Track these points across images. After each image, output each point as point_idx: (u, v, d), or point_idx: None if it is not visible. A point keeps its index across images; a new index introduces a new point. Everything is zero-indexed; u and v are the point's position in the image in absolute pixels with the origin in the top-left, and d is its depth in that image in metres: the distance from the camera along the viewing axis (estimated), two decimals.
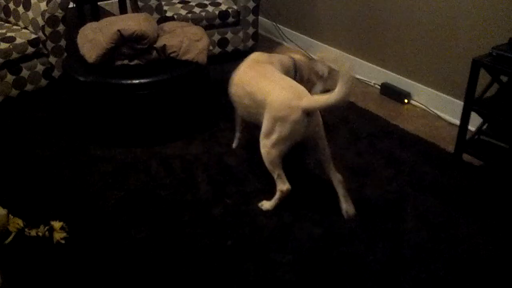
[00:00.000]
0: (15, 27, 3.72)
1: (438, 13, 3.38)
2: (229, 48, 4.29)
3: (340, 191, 2.63)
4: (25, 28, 3.71)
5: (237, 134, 3.16)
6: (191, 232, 2.52)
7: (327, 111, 3.34)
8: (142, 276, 2.29)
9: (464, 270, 2.31)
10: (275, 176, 2.62)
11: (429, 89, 3.60)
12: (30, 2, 3.66)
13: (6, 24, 3.78)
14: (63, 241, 2.43)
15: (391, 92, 3.80)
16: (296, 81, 2.78)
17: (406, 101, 3.72)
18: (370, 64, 4.00)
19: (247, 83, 2.71)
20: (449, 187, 2.83)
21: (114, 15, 4.55)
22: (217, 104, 3.63)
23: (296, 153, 2.74)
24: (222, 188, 2.82)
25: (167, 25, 3.45)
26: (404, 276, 2.28)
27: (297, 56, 3.08)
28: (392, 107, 3.69)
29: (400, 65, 3.77)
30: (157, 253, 2.40)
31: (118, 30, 3.05)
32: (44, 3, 3.58)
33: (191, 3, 4.20)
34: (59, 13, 3.62)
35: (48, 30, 3.61)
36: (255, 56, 2.89)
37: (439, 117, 3.54)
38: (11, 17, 3.82)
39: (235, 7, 4.19)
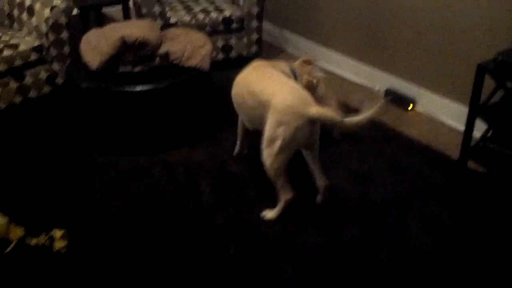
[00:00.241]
0: (18, 33, 3.73)
1: (443, 18, 3.36)
2: (233, 54, 4.28)
3: (320, 194, 2.72)
4: (29, 34, 3.72)
5: (238, 142, 3.13)
6: (193, 241, 2.51)
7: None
8: (143, 285, 2.28)
9: (469, 278, 2.29)
10: (279, 185, 2.59)
11: (434, 94, 3.58)
12: (34, 9, 3.66)
13: (10, 31, 3.78)
14: (63, 250, 2.42)
15: (395, 98, 3.78)
16: None
17: (410, 106, 3.69)
18: (375, 69, 3.98)
19: (252, 82, 2.67)
20: (453, 194, 2.81)
21: (118, 21, 4.55)
22: (220, 110, 3.62)
23: (298, 160, 2.72)
24: (225, 196, 2.80)
25: (171, 31, 3.45)
26: (408, 284, 2.26)
27: (295, 63, 3.06)
28: (396, 113, 3.66)
29: (405, 70, 3.75)
30: (159, 262, 2.39)
31: (121, 37, 3.05)
32: (48, 9, 3.58)
33: (194, 10, 4.19)
34: (63, 20, 3.62)
35: (51, 36, 3.61)
36: (257, 62, 2.87)
37: (444, 123, 3.52)
38: (15, 23, 3.83)
39: (239, 13, 4.18)
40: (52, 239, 2.44)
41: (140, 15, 4.04)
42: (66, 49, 3.73)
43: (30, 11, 3.69)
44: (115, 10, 5.44)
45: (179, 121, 3.22)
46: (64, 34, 3.68)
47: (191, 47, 3.25)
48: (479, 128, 3.02)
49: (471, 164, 2.99)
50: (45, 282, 2.29)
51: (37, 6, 3.65)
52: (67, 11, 3.63)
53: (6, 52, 3.44)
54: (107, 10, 5.38)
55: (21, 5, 3.75)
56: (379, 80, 3.96)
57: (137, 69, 3.17)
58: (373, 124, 3.48)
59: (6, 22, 3.88)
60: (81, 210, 2.72)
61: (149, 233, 2.56)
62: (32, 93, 3.64)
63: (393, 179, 2.93)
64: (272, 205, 2.67)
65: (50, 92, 3.74)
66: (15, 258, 2.40)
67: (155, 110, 3.11)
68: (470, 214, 2.66)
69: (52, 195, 2.83)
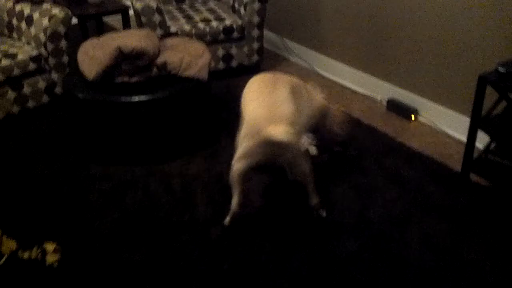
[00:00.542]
0: (17, 43, 3.71)
1: (445, 28, 3.31)
2: (234, 63, 4.24)
3: (314, 212, 2.67)
4: (28, 44, 3.70)
5: None
6: (187, 255, 2.46)
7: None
8: None
9: None
10: (232, 193, 2.57)
11: (437, 105, 3.52)
12: (33, 18, 3.64)
13: (9, 40, 3.77)
14: (56, 264, 2.38)
15: (397, 108, 3.72)
16: None
17: (413, 117, 3.63)
18: (377, 80, 3.93)
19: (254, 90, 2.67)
20: (455, 208, 2.74)
21: (117, 31, 4.53)
22: (219, 120, 3.58)
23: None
24: (222, 209, 2.75)
25: (169, 41, 3.42)
26: None
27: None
28: (398, 124, 3.60)
29: (407, 80, 3.70)
30: (152, 277, 2.34)
31: (118, 47, 3.01)
32: (46, 19, 3.56)
33: (195, 19, 4.16)
34: (62, 29, 3.60)
35: (50, 46, 3.59)
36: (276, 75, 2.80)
37: (447, 134, 3.45)
38: (14, 33, 3.81)
39: (239, 22, 4.14)
40: (44, 252, 2.40)
41: (140, 24, 4.01)
42: (65, 59, 3.71)
43: (29, 20, 3.67)
44: (115, 20, 5.43)
45: (177, 132, 3.18)
46: (63, 44, 3.66)
47: (189, 57, 3.22)
48: (483, 140, 2.96)
49: (473, 177, 2.93)
50: None
51: (36, 16, 3.63)
52: (65, 20, 3.61)
53: (4, 62, 3.42)
54: (107, 19, 5.37)
55: (20, 15, 3.74)
56: (381, 90, 3.91)
57: (134, 79, 3.13)
58: (375, 135, 3.42)
59: (5, 31, 3.87)
60: (75, 223, 2.67)
61: (142, 247, 2.51)
62: (30, 103, 3.61)
63: (394, 192, 2.87)
64: (270, 218, 2.61)
65: (48, 102, 3.72)
66: (7, 272, 2.36)
67: (152, 120, 3.07)
68: (472, 229, 2.59)
69: (46, 207, 2.79)
